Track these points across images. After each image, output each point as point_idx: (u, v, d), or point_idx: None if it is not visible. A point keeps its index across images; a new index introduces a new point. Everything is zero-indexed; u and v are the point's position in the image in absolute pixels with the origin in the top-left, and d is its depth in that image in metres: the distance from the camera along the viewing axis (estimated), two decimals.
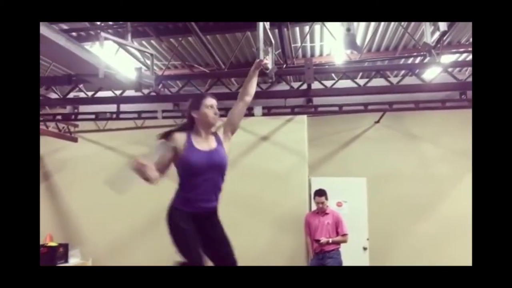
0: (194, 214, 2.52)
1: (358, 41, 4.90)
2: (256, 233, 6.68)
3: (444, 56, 4.99)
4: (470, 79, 4.35)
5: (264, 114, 4.70)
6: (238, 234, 6.82)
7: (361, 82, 4.39)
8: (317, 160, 7.52)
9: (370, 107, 4.93)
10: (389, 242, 7.25)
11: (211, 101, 2.62)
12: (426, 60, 4.33)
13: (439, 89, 4.30)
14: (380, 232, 7.22)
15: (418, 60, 5.31)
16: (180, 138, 2.54)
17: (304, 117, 6.80)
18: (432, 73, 4.78)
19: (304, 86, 4.29)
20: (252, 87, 2.67)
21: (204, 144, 2.57)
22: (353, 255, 6.36)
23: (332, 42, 5.16)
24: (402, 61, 5.52)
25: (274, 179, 6.72)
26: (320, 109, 4.86)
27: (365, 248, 7.26)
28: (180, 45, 5.31)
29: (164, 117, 5.16)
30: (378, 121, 7.47)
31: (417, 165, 7.22)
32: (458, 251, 6.84)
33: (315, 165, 7.48)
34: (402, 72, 4.73)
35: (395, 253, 7.15)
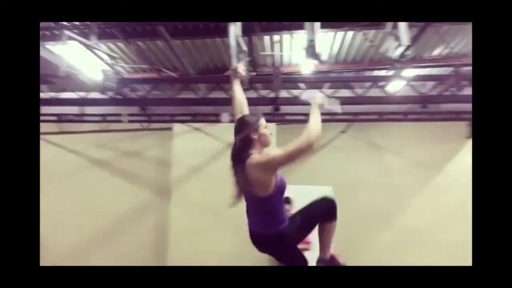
0: None
1: (326, 52, 5.00)
2: (221, 239, 6.64)
3: (407, 70, 5.16)
4: (432, 93, 4.50)
5: (231, 121, 4.68)
6: (203, 240, 6.83)
7: (328, 92, 4.47)
8: (284, 168, 7.55)
9: (336, 117, 5.01)
10: (351, 250, 7.35)
11: (264, 121, 2.47)
12: (390, 73, 4.45)
13: (402, 102, 4.44)
14: (343, 240, 7.30)
15: (383, 73, 5.46)
16: None
17: (273, 125, 6.84)
18: (396, 86, 4.93)
19: (272, 95, 4.32)
20: (234, 98, 2.68)
21: None
22: (313, 263, 6.41)
23: (301, 52, 5.22)
24: (367, 73, 5.66)
25: None
26: (287, 117, 4.90)
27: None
28: (148, 48, 5.25)
29: (130, 121, 5.07)
30: (344, 131, 7.61)
31: (381, 175, 7.38)
32: (416, 260, 7.06)
33: (283, 172, 7.51)
34: (368, 84, 4.85)
35: (356, 261, 7.26)
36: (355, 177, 7.48)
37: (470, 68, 5.25)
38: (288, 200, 6.03)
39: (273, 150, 2.31)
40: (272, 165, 2.31)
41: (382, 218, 7.23)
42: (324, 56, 4.99)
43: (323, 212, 2.63)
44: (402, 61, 4.47)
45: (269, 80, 4.28)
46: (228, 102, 4.70)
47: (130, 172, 7.47)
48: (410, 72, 5.36)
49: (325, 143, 7.72)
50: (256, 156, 2.32)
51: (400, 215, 7.27)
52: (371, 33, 4.75)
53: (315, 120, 2.30)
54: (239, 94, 2.69)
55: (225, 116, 4.48)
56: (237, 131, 2.44)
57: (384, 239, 7.14)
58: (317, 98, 2.43)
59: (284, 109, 4.63)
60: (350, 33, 4.89)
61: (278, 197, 2.44)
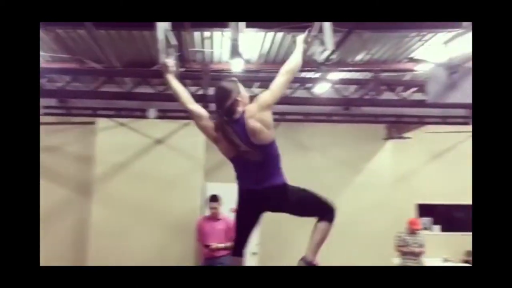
0: None
1: (256, 51, 5.04)
2: (146, 238, 6.45)
3: (332, 73, 5.36)
4: (354, 96, 4.72)
5: (159, 117, 4.56)
6: (127, 239, 6.58)
7: (257, 91, 4.49)
8: (214, 165, 7.52)
9: None
10: (279, 246, 7.52)
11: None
12: (316, 75, 4.59)
13: (327, 103, 4.59)
14: (271, 237, 7.45)
15: (310, 75, 5.62)
16: None
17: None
18: (321, 88, 5.10)
19: (201, 92, 4.26)
20: (174, 93, 2.69)
21: None
22: None
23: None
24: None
25: (168, 184, 6.56)
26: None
27: (254, 253, 7.42)
28: (68, 37, 4.93)
29: (46, 114, 4.74)
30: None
31: (307, 173, 7.61)
32: (339, 254, 7.38)
33: (212, 170, 7.47)
34: (296, 85, 4.96)
35: (285, 258, 7.42)
36: (287, 175, 7.63)
37: (389, 74, 5.62)
38: (215, 198, 6.01)
39: (262, 94, 2.59)
40: (268, 103, 2.56)
41: None
42: (250, 55, 5.03)
43: (322, 208, 2.74)
44: (327, 64, 4.65)
45: (198, 77, 4.21)
46: (154, 97, 4.58)
47: (47, 168, 6.99)
48: (335, 75, 5.59)
49: None
50: (249, 106, 2.56)
51: None
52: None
53: (295, 54, 2.69)
54: (181, 87, 2.72)
55: (152, 112, 4.33)
56: (224, 97, 2.58)
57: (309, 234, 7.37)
58: (299, 37, 2.78)
59: (213, 106, 4.58)
60: (280, 34, 4.96)
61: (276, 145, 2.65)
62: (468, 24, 3.46)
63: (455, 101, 3.70)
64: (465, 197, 8.40)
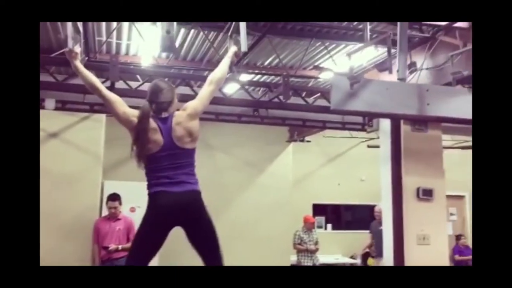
0: None
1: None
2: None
3: (243, 74, 5.47)
4: (263, 98, 4.86)
5: (57, 108, 4.22)
6: None
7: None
8: (112, 162, 7.16)
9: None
10: (179, 246, 7.40)
11: None
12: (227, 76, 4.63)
13: (237, 104, 4.67)
14: (171, 236, 7.32)
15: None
16: None
17: (103, 115, 6.40)
18: (231, 89, 5.17)
19: (107, 84, 4.04)
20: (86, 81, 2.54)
21: None
22: None
23: (140, 42, 5.03)
24: (206, 73, 5.78)
25: (63, 180, 6.09)
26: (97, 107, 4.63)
27: None
28: None
29: None
30: None
31: (211, 173, 7.62)
32: (241, 252, 7.51)
33: (110, 168, 7.11)
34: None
35: (185, 256, 7.36)
36: None
37: (296, 79, 5.90)
38: (115, 197, 5.73)
39: (189, 102, 2.64)
40: (197, 112, 2.62)
41: (211, 213, 7.47)
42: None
43: (218, 256, 2.73)
44: (238, 66, 4.73)
45: (104, 68, 3.99)
46: (54, 87, 4.23)
47: None
48: (245, 77, 5.71)
49: None
50: (180, 113, 2.59)
51: (228, 210, 7.64)
52: (212, 34, 4.87)
53: (223, 64, 2.82)
54: (91, 74, 2.57)
55: (49, 102, 3.99)
56: (160, 93, 2.58)
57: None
58: (232, 47, 2.92)
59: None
60: (193, 32, 4.92)
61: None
62: (369, 39, 3.80)
63: (355, 109, 4.02)
64: (353, 198, 9.22)
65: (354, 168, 9.23)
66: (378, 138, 6.73)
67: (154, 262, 7.41)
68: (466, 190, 9.21)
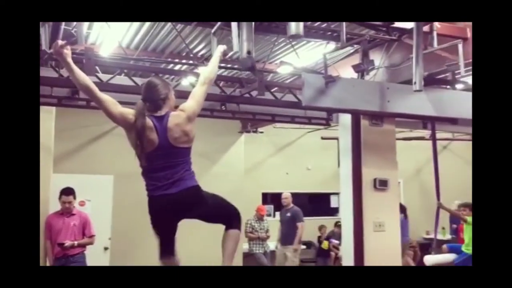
0: None
1: (134, 36, 4.74)
2: None
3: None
4: (234, 94, 4.89)
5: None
6: None
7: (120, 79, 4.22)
8: (61, 155, 6.80)
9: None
10: (132, 242, 7.28)
11: None
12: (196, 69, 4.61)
13: (208, 98, 4.64)
14: (124, 230, 7.16)
15: (184, 67, 5.59)
16: None
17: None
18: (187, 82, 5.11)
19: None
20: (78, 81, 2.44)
21: None
22: (93, 255, 6.05)
23: (100, 31, 4.81)
24: (168, 65, 5.67)
25: None
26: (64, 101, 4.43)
27: (106, 248, 7.06)
28: None
29: None
30: None
31: None
32: (196, 243, 7.53)
33: (59, 160, 6.74)
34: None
35: (137, 253, 7.23)
36: (136, 166, 7.36)
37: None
38: (69, 191, 5.47)
39: (186, 104, 2.62)
40: (195, 114, 2.61)
41: None
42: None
43: (233, 215, 2.77)
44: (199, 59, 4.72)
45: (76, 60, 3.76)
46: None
47: None
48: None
49: (108, 129, 7.33)
50: (178, 114, 2.55)
51: None
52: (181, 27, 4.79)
53: (211, 62, 2.83)
54: (83, 73, 2.43)
55: None
56: (156, 90, 2.56)
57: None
58: (219, 47, 2.89)
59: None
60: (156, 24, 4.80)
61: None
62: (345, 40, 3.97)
63: (325, 105, 4.21)
64: (300, 186, 9.57)
65: (301, 157, 9.57)
66: (325, 128, 7.07)
67: (106, 257, 7.17)
68: (401, 177, 9.98)
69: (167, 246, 2.70)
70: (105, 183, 7.14)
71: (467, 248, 5.70)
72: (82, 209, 6.18)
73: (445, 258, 6.04)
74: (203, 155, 7.83)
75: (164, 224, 2.68)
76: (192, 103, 2.61)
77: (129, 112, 2.51)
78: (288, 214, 7.51)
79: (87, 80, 2.42)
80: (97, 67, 4.81)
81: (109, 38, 4.83)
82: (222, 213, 2.79)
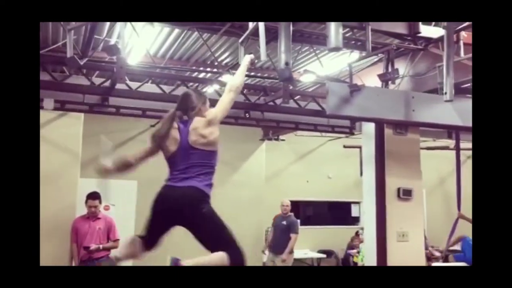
0: None
1: (161, 44, 4.82)
2: None
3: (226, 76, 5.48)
4: (259, 101, 4.95)
5: (56, 108, 4.07)
6: None
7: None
8: (88, 159, 6.97)
9: (148, 113, 5.01)
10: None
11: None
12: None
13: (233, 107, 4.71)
14: None
15: (209, 75, 5.67)
16: None
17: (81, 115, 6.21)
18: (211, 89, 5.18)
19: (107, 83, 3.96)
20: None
21: None
22: None
23: (129, 41, 4.94)
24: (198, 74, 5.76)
25: (42, 178, 5.86)
26: (122, 111, 4.56)
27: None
28: None
29: None
30: (154, 125, 7.51)
31: None
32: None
33: (86, 165, 6.91)
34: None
35: (159, 257, 7.30)
36: (160, 172, 7.47)
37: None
38: (95, 195, 5.60)
39: (212, 109, 2.76)
40: (217, 120, 2.72)
41: None
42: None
43: (229, 250, 2.65)
44: (223, 66, 4.77)
45: (103, 68, 3.90)
46: (52, 86, 4.07)
47: None
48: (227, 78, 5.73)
49: (133, 135, 7.49)
50: (199, 119, 2.70)
51: None
52: (206, 35, 4.88)
53: (239, 71, 2.92)
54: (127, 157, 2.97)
55: (48, 102, 3.84)
56: (184, 99, 2.76)
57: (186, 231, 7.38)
58: (247, 56, 2.99)
59: (116, 101, 4.30)
60: (185, 32, 4.90)
61: (216, 158, 2.75)
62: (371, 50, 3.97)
63: (349, 114, 4.23)
64: (321, 194, 9.53)
65: (322, 165, 9.55)
66: (347, 137, 7.05)
67: None
68: (424, 186, 9.84)
69: (149, 242, 2.79)
70: (129, 188, 7.27)
71: None
72: (106, 214, 6.32)
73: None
74: (223, 162, 7.84)
75: (157, 218, 2.74)
76: (216, 109, 2.76)
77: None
78: (284, 222, 7.31)
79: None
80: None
81: (138, 46, 4.95)
82: (220, 242, 2.67)
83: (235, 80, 2.89)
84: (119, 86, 4.03)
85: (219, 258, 2.58)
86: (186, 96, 2.77)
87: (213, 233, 2.68)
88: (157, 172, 8.10)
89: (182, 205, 2.63)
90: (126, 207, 7.19)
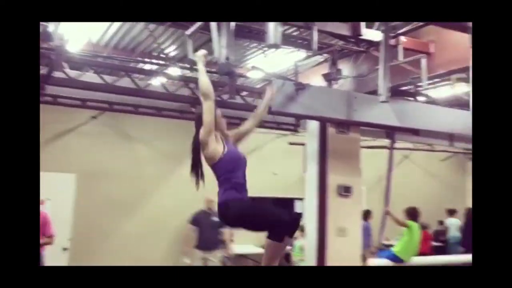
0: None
1: (104, 32, 4.66)
2: None
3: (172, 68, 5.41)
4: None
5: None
6: None
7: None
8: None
9: (89, 103, 4.82)
10: (93, 241, 7.12)
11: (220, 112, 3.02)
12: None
13: (176, 100, 4.64)
14: (85, 231, 7.01)
15: (155, 67, 5.54)
16: (217, 134, 2.89)
17: None
18: (156, 81, 5.09)
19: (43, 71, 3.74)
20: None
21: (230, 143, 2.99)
22: (51, 256, 5.86)
23: (69, 27, 4.70)
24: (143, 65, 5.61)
25: None
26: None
27: (65, 249, 6.87)
28: None
29: None
30: (95, 117, 7.23)
31: (129, 164, 7.41)
32: (155, 246, 7.45)
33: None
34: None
35: (97, 254, 7.07)
36: (103, 166, 7.26)
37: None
38: None
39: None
40: (201, 138, 2.79)
41: (127, 208, 7.26)
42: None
43: (272, 224, 2.74)
44: (171, 59, 4.69)
45: (44, 55, 3.67)
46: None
47: None
48: (174, 71, 5.66)
49: (72, 127, 7.15)
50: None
51: (148, 203, 7.51)
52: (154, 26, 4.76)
53: (199, 74, 2.82)
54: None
55: None
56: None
57: (129, 227, 7.21)
58: (198, 53, 2.87)
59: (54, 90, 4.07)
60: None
61: (223, 166, 2.84)
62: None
63: (294, 111, 4.30)
64: (266, 190, 9.64)
65: (267, 162, 9.64)
66: (292, 134, 7.18)
67: (64, 258, 6.96)
68: (364, 184, 10.25)
69: None
70: (67, 181, 6.95)
71: (397, 249, 6.27)
72: (41, 208, 6.00)
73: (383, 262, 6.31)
74: (169, 156, 7.79)
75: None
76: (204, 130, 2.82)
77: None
78: (215, 218, 7.12)
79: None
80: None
81: (79, 32, 4.73)
82: (263, 224, 2.81)
83: (199, 85, 2.81)
84: (57, 74, 3.82)
85: (272, 246, 2.76)
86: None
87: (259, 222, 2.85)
88: (97, 165, 7.85)
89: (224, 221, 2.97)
90: (64, 201, 6.87)
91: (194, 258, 6.90)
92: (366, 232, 7.07)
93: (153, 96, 4.99)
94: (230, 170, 2.83)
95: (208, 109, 2.73)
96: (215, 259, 6.88)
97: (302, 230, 7.50)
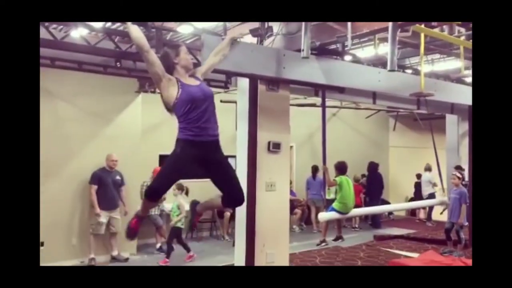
0: (203, 144, 3.03)
1: None
2: None
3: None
4: (130, 50, 4.65)
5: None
6: None
7: None
8: None
9: None
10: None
11: (185, 49, 3.26)
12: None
13: (100, 54, 4.38)
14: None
15: None
16: (172, 78, 3.02)
17: None
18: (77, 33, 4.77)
19: None
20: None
21: (191, 82, 3.11)
22: None
23: None
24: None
25: None
26: None
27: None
28: None
29: None
30: None
31: (52, 123, 6.99)
32: (78, 210, 7.24)
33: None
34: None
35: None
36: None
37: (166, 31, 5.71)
38: None
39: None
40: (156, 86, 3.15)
41: (50, 168, 6.89)
42: None
43: (238, 196, 3.40)
44: None
45: None
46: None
47: None
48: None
49: None
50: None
51: (71, 163, 7.20)
52: None
53: (129, 32, 2.99)
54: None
55: None
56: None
57: (52, 188, 6.87)
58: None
59: None
60: None
61: (178, 109, 3.04)
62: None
63: (223, 68, 4.26)
64: None
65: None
66: (225, 92, 7.16)
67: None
68: (294, 141, 10.58)
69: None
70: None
71: (336, 205, 6.79)
72: None
73: (331, 215, 6.72)
74: (96, 115, 7.46)
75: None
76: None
77: None
78: (118, 177, 7.42)
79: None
80: None
81: None
82: (233, 185, 3.39)
83: (132, 39, 3.05)
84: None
85: (214, 202, 3.73)
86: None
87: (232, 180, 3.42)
88: None
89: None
90: None
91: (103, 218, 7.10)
92: (322, 185, 7.63)
93: (72, 48, 4.66)
94: (186, 112, 2.97)
95: (147, 60, 2.88)
96: (117, 216, 7.24)
97: (180, 188, 7.70)
